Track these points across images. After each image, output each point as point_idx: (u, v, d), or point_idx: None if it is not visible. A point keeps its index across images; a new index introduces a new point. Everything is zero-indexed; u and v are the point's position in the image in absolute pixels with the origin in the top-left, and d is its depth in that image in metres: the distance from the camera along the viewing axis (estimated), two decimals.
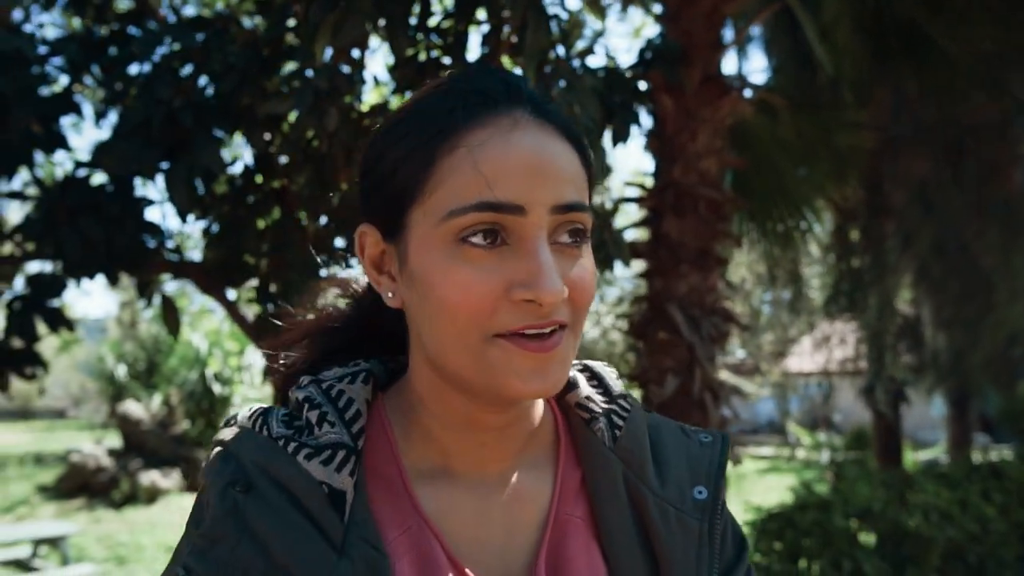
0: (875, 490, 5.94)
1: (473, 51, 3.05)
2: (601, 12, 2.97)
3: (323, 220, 3.45)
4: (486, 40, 2.94)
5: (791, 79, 6.69)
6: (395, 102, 3.52)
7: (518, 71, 2.99)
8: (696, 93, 4.38)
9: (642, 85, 4.45)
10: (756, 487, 13.74)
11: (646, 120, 4.64)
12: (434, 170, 0.66)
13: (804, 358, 18.99)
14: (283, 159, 3.34)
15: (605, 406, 0.81)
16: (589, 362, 0.86)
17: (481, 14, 2.98)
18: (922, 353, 9.32)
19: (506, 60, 3.02)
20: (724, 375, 4.45)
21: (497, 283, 0.65)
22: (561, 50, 3.26)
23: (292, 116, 3.00)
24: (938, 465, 8.96)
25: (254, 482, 0.69)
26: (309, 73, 2.76)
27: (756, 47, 11.74)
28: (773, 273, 7.26)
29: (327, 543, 0.66)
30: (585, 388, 0.82)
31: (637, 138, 5.33)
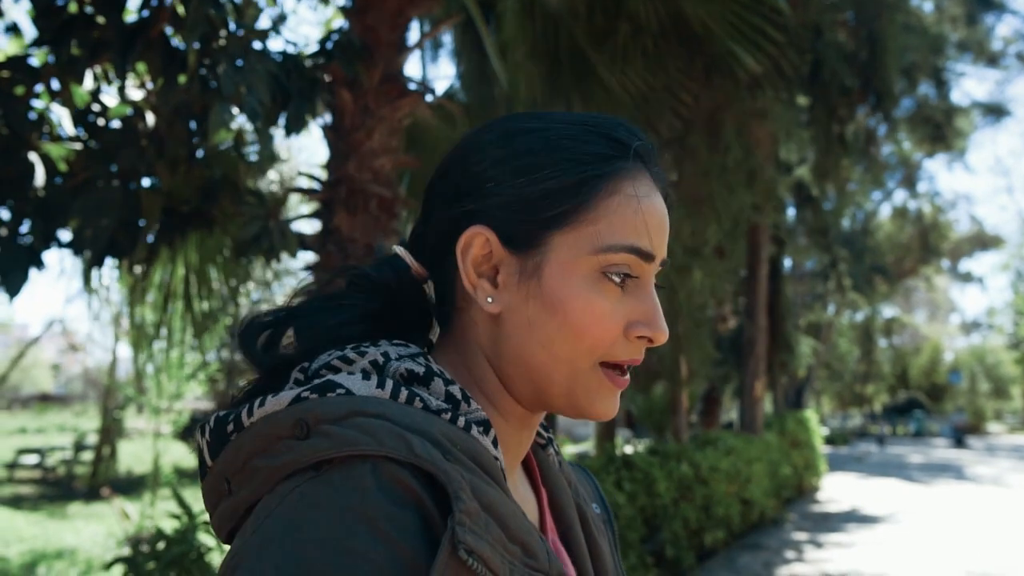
0: None
1: (131, 14, 2.82)
2: None
3: None
4: (146, 4, 2.73)
5: (473, 90, 6.98)
6: (38, 57, 3.16)
7: (179, 43, 2.82)
8: (376, 91, 4.41)
9: (326, 77, 4.41)
10: None
11: (325, 112, 4.60)
12: (591, 206, 0.72)
13: None
14: None
15: (548, 435, 0.92)
16: None
17: None
18: None
19: (168, 29, 2.83)
20: None
21: (622, 318, 0.73)
22: (234, 27, 3.14)
23: None
24: (587, 457, 9.82)
25: (456, 456, 0.64)
26: None
27: (447, 54, 12.14)
28: None
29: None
30: None
31: (316, 129, 5.28)
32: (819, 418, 23.98)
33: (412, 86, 4.76)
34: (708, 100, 6.58)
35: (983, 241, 37.52)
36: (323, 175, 4.54)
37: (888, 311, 39.45)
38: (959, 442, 33.11)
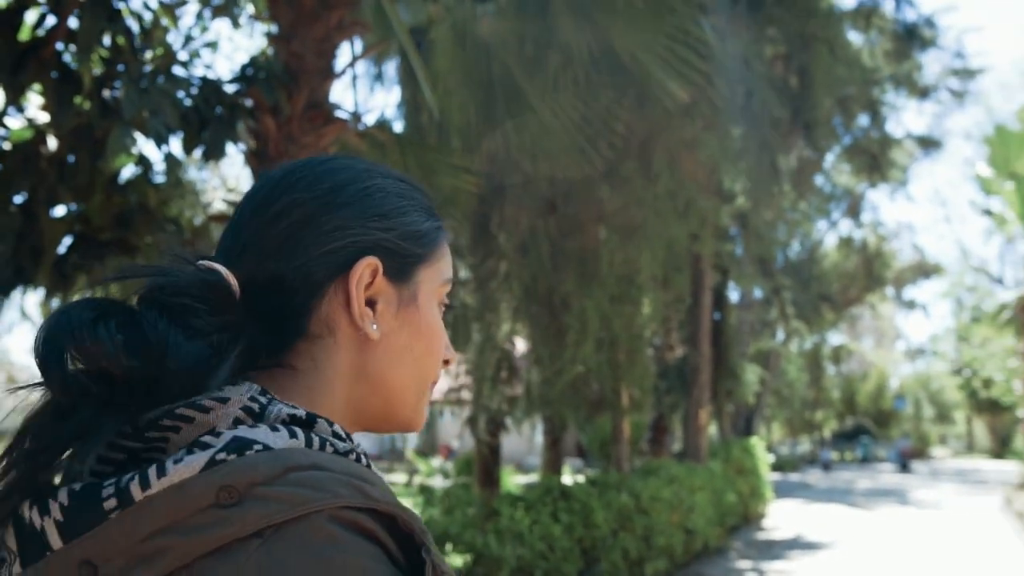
0: (458, 514, 6.26)
1: (27, 34, 2.75)
2: (173, 17, 2.84)
3: None
4: (40, 22, 2.66)
5: (409, 118, 6.98)
6: None
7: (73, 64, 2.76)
8: (300, 118, 4.36)
9: (248, 103, 4.35)
10: None
11: (249, 138, 4.54)
12: (438, 246, 0.83)
13: None
14: None
15: None
16: None
17: None
18: (517, 385, 10.14)
19: (67, 52, 2.76)
20: None
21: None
22: (142, 50, 3.08)
23: None
24: (531, 488, 9.74)
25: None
26: None
27: (390, 82, 12.13)
28: None
29: None
30: None
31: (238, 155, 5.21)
32: (767, 445, 24.17)
33: (340, 113, 4.72)
34: (640, 129, 6.65)
35: (925, 270, 38.40)
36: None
37: (836, 338, 40.09)
38: (904, 467, 33.63)
